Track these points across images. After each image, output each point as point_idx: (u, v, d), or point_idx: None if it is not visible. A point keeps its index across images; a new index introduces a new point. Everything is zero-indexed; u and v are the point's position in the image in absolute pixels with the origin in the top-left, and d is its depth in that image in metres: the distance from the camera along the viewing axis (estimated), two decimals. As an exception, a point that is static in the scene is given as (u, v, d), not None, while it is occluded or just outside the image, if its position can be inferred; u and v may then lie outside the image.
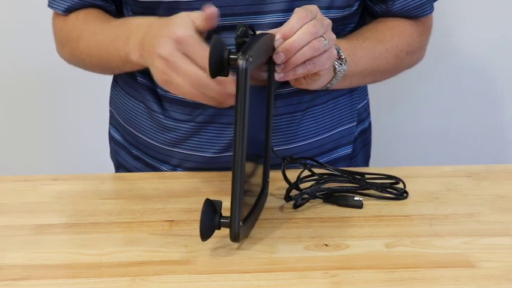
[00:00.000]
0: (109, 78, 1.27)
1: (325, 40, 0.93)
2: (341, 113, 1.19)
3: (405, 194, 1.01)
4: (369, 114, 1.28)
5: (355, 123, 1.21)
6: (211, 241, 0.88)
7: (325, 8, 1.08)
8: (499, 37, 1.73)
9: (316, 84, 1.03)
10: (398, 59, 1.15)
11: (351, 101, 1.20)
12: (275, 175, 1.02)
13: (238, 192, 0.83)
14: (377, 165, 1.22)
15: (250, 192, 0.92)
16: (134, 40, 1.00)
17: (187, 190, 0.98)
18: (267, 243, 0.88)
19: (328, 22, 0.96)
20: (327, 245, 0.88)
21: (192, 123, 1.12)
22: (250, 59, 0.81)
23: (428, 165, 1.14)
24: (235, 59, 0.81)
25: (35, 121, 1.80)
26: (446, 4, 1.23)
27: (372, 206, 0.99)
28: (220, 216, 0.85)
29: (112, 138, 1.28)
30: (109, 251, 0.86)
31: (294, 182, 0.99)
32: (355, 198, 0.98)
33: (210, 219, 0.84)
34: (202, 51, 0.89)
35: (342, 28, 1.15)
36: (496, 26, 1.73)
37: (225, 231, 0.90)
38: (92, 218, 0.95)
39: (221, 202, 0.86)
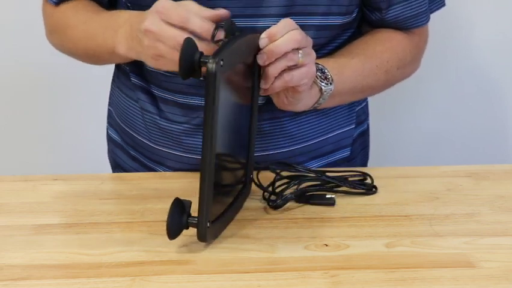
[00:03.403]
0: (109, 78, 1.27)
1: (300, 53, 0.93)
2: (339, 115, 1.18)
3: (374, 189, 1.02)
4: (367, 116, 1.28)
5: (353, 126, 1.21)
6: (211, 241, 0.88)
7: (323, 15, 1.08)
8: (499, 38, 1.73)
9: (301, 105, 1.02)
10: (388, 75, 1.14)
11: (350, 103, 1.20)
12: (272, 176, 1.02)
13: (206, 193, 0.83)
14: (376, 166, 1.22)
15: (224, 192, 0.92)
16: (123, 33, 1.00)
17: (187, 190, 0.98)
18: (267, 243, 0.88)
19: (310, 40, 0.96)
20: (327, 245, 0.88)
21: (187, 125, 1.12)
22: (221, 62, 0.81)
23: (428, 165, 1.14)
24: (206, 62, 0.81)
25: (35, 121, 1.80)
26: (447, 5, 1.22)
27: (372, 206, 0.99)
28: (188, 216, 0.85)
29: (109, 138, 1.28)
30: (109, 251, 0.86)
31: (270, 189, 0.99)
32: (327, 196, 0.99)
33: (178, 218, 0.85)
34: (177, 13, 0.90)
35: (340, 34, 1.14)
36: (497, 27, 1.73)
37: (226, 231, 0.90)
38: (92, 218, 0.95)
39: (190, 202, 0.86)
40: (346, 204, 0.99)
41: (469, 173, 1.11)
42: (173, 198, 0.85)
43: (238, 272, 0.81)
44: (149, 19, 0.92)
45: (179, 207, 0.85)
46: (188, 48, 0.83)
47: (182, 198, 0.86)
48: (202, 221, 0.84)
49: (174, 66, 0.89)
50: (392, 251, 0.87)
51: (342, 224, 0.94)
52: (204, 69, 0.83)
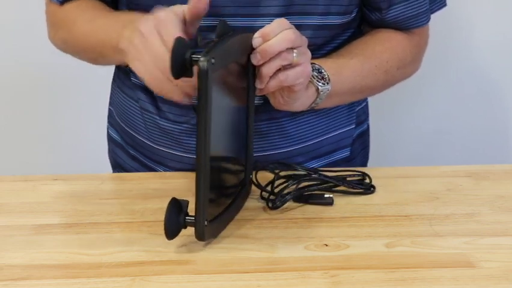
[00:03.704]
0: (109, 78, 1.27)
1: (294, 52, 0.93)
2: (339, 115, 1.18)
3: (372, 189, 1.02)
4: (367, 116, 1.28)
5: (353, 126, 1.21)
6: (211, 241, 0.88)
7: (321, 15, 1.07)
8: (499, 39, 1.73)
9: (298, 105, 1.02)
10: (388, 75, 1.14)
11: (350, 104, 1.19)
12: (271, 176, 1.02)
13: (202, 192, 0.83)
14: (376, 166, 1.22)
15: (223, 192, 0.93)
16: (128, 31, 0.99)
17: (187, 190, 0.98)
18: (267, 243, 0.88)
19: (305, 39, 0.96)
20: (327, 245, 0.88)
21: (187, 125, 1.12)
22: (213, 60, 0.81)
23: (428, 165, 1.14)
24: (197, 60, 0.81)
25: (35, 121, 1.80)
26: (448, 5, 1.22)
27: (372, 206, 0.99)
28: (186, 215, 0.85)
29: (110, 138, 1.28)
30: (109, 251, 0.86)
31: (269, 188, 1.00)
32: (325, 196, 0.99)
33: (175, 218, 0.85)
34: (172, 33, 0.88)
35: (339, 34, 1.14)
36: (497, 28, 1.73)
37: (225, 231, 0.90)
38: (92, 218, 0.95)
39: (187, 201, 0.86)
40: (346, 204, 0.99)
41: (469, 173, 1.11)
42: (171, 198, 0.85)
43: (238, 272, 0.81)
44: (147, 23, 0.91)
45: (176, 206, 0.85)
46: (179, 47, 0.83)
47: (182, 198, 0.86)
48: (199, 219, 0.84)
49: (146, 75, 0.90)
50: (392, 251, 0.87)
51: (342, 224, 0.94)
52: (195, 67, 0.83)
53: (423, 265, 0.83)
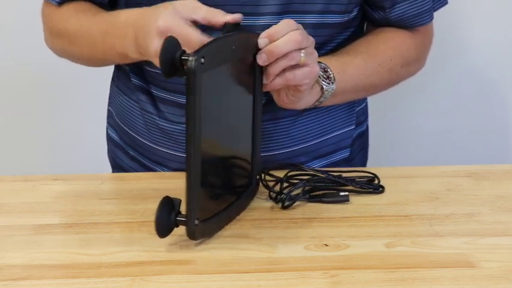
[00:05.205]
0: (109, 78, 1.27)
1: (302, 52, 0.93)
2: (339, 116, 1.18)
3: (380, 189, 1.02)
4: (367, 117, 1.28)
5: (353, 127, 1.21)
6: (211, 241, 0.88)
7: (320, 13, 1.07)
8: (500, 38, 1.73)
9: (302, 104, 1.02)
10: (392, 73, 1.14)
11: (351, 104, 1.19)
12: (279, 176, 1.02)
13: (192, 191, 0.83)
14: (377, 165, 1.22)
15: (222, 191, 0.92)
16: (130, 39, 0.99)
17: (187, 190, 0.98)
18: (267, 243, 0.88)
19: (312, 40, 0.96)
20: (327, 245, 0.88)
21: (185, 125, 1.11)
22: (202, 60, 0.81)
23: (428, 165, 1.14)
24: (186, 59, 0.81)
25: (35, 121, 1.80)
26: (448, 4, 1.22)
27: (372, 206, 0.99)
28: (177, 214, 0.85)
29: (109, 138, 1.28)
30: (109, 251, 0.86)
31: (278, 189, 1.00)
32: (341, 194, 0.99)
33: (167, 216, 0.85)
34: (186, 37, 0.89)
35: (340, 33, 1.14)
36: (498, 27, 1.73)
37: (226, 231, 0.90)
38: (92, 218, 0.95)
39: (180, 200, 0.86)
40: (346, 204, 0.99)
41: (469, 173, 1.11)
42: (163, 197, 0.85)
43: (238, 272, 0.81)
44: (154, 43, 0.91)
45: (168, 205, 0.85)
46: (169, 47, 0.82)
47: (182, 198, 0.86)
48: (190, 219, 0.84)
49: None
50: (392, 251, 0.87)
51: (342, 224, 0.94)
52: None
53: (423, 265, 0.83)
